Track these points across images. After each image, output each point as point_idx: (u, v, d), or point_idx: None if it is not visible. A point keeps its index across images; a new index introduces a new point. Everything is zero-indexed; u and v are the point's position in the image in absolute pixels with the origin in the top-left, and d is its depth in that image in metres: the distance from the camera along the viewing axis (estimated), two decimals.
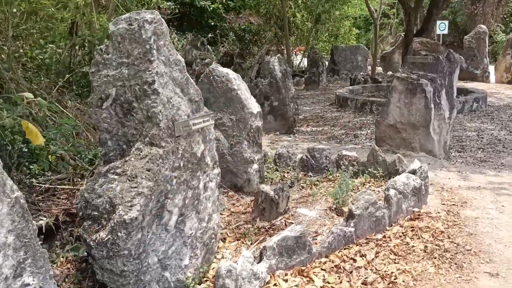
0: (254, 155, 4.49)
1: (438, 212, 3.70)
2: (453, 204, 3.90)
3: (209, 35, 17.45)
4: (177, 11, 18.50)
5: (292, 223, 3.56)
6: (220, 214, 3.82)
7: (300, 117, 9.50)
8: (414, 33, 9.94)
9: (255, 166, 4.50)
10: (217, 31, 17.82)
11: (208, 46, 16.63)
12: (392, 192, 3.40)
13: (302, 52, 20.02)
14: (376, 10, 19.87)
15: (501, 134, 7.08)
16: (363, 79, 14.09)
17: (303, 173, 5.23)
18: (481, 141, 6.69)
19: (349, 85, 14.12)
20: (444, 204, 3.92)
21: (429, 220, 3.49)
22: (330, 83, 16.84)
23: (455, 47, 26.36)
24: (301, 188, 4.68)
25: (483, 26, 15.49)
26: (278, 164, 5.36)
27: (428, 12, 9.60)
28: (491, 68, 15.34)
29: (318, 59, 14.93)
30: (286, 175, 5.15)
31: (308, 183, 4.74)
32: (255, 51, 17.36)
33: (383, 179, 4.70)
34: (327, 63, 18.17)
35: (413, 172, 4.04)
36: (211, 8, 17.54)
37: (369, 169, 4.83)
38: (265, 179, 4.90)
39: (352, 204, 3.20)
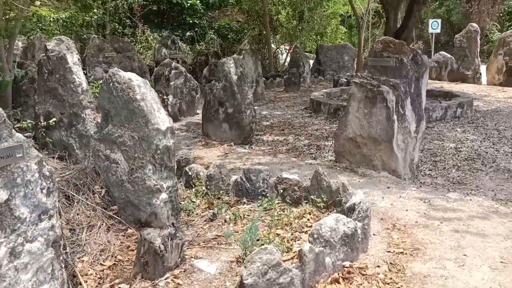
0: (162, 182, 3.60)
1: (378, 266, 2.81)
2: (401, 253, 3.02)
3: (188, 33, 16.53)
4: (154, 8, 17.66)
5: (181, 285, 2.68)
6: (101, 264, 2.93)
7: (266, 123, 8.62)
8: (394, 32, 9.05)
9: (164, 195, 3.61)
10: (196, 29, 16.88)
11: (181, 44, 15.72)
12: (306, 247, 2.51)
13: (289, 51, 19.11)
14: (364, 8, 18.96)
15: (482, 147, 6.18)
16: (345, 80, 13.18)
17: (236, 199, 4.36)
18: (458, 155, 5.80)
19: (332, 86, 13.24)
20: (389, 251, 3.04)
21: (361, 280, 2.61)
22: (313, 84, 15.95)
23: (450, 46, 25.48)
24: (223, 222, 3.79)
25: (474, 24, 14.56)
26: (209, 187, 4.48)
27: (408, 8, 8.72)
28: (483, 69, 14.43)
29: (298, 58, 14.03)
30: (215, 202, 4.27)
31: (235, 216, 3.85)
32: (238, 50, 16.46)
33: (327, 210, 3.83)
34: (311, 62, 17.27)
35: (352, 208, 3.16)
36: (189, 4, 16.63)
37: (312, 196, 3.95)
38: (183, 210, 4.02)
39: (245, 267, 2.31)
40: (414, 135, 4.85)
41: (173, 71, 9.10)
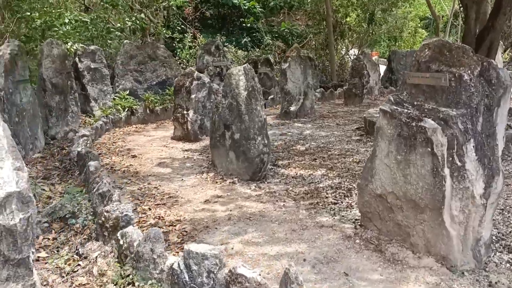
0: None
1: None
2: None
3: (244, 39, 15.23)
4: (209, 11, 16.62)
5: None
6: None
7: (301, 147, 6.89)
8: (476, 34, 6.83)
9: None
10: (253, 34, 15.54)
11: (235, 51, 14.44)
12: None
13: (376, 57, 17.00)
14: (450, 9, 16.27)
15: None
16: None
17: None
18: None
19: None
20: None
21: None
22: (382, 96, 13.81)
23: None
24: None
25: None
26: (137, 269, 2.95)
27: (496, 4, 6.47)
28: None
29: (361, 66, 12.02)
30: None
31: None
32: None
33: None
34: (382, 70, 15.04)
35: None
36: (246, 7, 15.31)
37: None
38: None
39: None
40: (482, 201, 2.89)
41: (194, 82, 7.73)
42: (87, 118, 8.81)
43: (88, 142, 6.18)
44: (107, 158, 6.48)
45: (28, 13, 8.97)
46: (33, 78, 8.04)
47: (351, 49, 17.37)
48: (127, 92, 9.69)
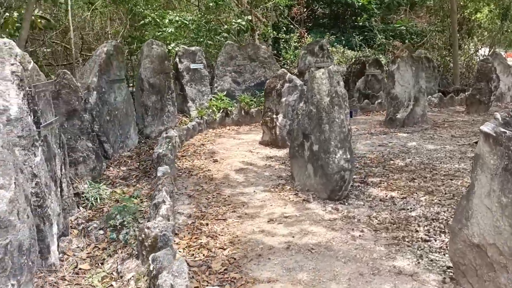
0: None
1: None
2: None
3: (355, 38, 14.27)
4: (320, 10, 15.92)
5: None
6: None
7: (400, 162, 5.97)
8: None
9: None
10: (365, 32, 14.47)
11: (345, 51, 13.57)
12: None
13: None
14: None
15: None
16: None
17: None
18: None
19: None
20: None
21: None
22: None
23: None
24: None
25: None
26: None
27: None
28: None
29: (489, 69, 10.31)
30: None
31: None
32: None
33: None
34: None
35: None
36: (359, 3, 14.33)
37: None
38: None
39: None
40: None
41: (286, 85, 7.23)
42: (183, 118, 8.87)
43: (170, 144, 6.06)
44: (189, 161, 6.32)
45: (140, 10, 9.35)
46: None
47: (480, 48, 15.23)
48: (224, 93, 9.58)
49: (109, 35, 11.32)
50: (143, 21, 9.46)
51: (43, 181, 3.05)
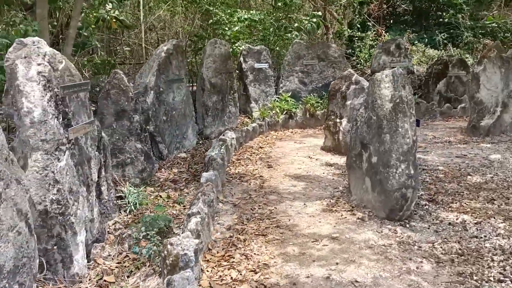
0: None
1: None
2: None
3: (439, 36, 13.10)
4: (402, 7, 14.81)
5: None
6: None
7: (477, 178, 5.21)
8: None
9: None
10: (451, 30, 13.20)
11: (427, 50, 12.49)
12: None
13: None
14: None
15: None
16: None
17: None
18: None
19: None
20: None
21: None
22: None
23: None
24: None
25: None
26: None
27: None
28: None
29: None
30: None
31: None
32: None
33: None
34: None
35: None
36: None
37: None
38: None
39: None
40: None
41: (352, 87, 6.67)
42: (245, 119, 8.64)
43: (223, 147, 5.82)
44: (243, 165, 6.04)
45: (211, 8, 9.27)
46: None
47: None
48: (290, 94, 9.19)
49: (181, 34, 11.47)
50: (211, 20, 9.36)
51: (66, 187, 2.91)
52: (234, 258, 3.32)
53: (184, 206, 4.49)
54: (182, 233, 3.11)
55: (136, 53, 11.54)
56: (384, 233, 3.75)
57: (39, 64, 2.85)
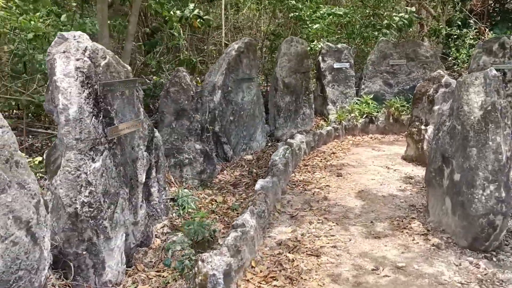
0: None
1: None
2: None
3: None
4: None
5: None
6: None
7: None
8: None
9: None
10: None
11: None
12: None
13: None
14: None
15: None
16: None
17: None
18: None
19: None
20: None
21: None
22: None
23: None
24: None
25: None
26: None
27: None
28: None
29: None
30: None
31: None
32: None
33: None
34: None
35: None
36: None
37: None
38: None
39: None
40: None
41: (441, 90, 5.88)
42: (321, 122, 8.15)
43: (288, 151, 5.44)
44: (309, 172, 5.60)
45: (296, 3, 8.92)
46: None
47: None
48: (372, 96, 8.51)
49: (262, 33, 11.26)
50: (292, 14, 8.99)
51: (100, 189, 2.75)
52: (277, 280, 2.93)
53: (237, 213, 4.20)
54: (221, 247, 2.81)
55: (217, 53, 11.59)
56: (463, 267, 3.10)
57: (77, 59, 2.72)
